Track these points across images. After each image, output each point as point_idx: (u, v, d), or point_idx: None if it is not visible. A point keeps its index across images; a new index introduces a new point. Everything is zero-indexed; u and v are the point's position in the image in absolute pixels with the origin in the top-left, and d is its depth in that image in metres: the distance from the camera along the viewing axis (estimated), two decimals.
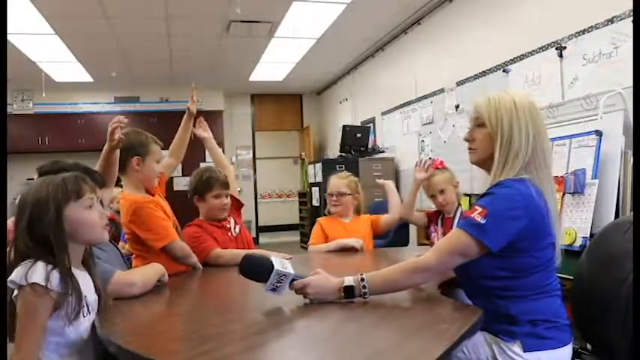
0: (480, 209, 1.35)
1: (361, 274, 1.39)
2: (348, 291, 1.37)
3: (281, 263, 1.40)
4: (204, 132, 2.65)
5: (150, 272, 1.73)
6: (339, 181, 2.73)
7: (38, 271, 1.23)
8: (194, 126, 2.60)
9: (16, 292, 1.24)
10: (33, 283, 1.22)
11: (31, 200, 1.30)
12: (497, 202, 1.35)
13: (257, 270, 1.40)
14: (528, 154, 1.40)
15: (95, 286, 1.39)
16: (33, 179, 1.42)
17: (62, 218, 1.29)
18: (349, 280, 1.38)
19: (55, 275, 1.25)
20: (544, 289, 1.39)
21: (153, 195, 2.15)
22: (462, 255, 1.37)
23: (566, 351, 1.38)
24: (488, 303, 1.38)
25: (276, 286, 1.38)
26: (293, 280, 1.39)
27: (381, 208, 5.06)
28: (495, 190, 1.38)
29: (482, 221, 1.32)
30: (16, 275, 1.23)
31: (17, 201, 1.34)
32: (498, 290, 1.37)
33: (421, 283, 1.44)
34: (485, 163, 1.49)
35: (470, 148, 1.53)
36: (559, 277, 1.47)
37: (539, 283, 1.39)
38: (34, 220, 1.28)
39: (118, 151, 1.91)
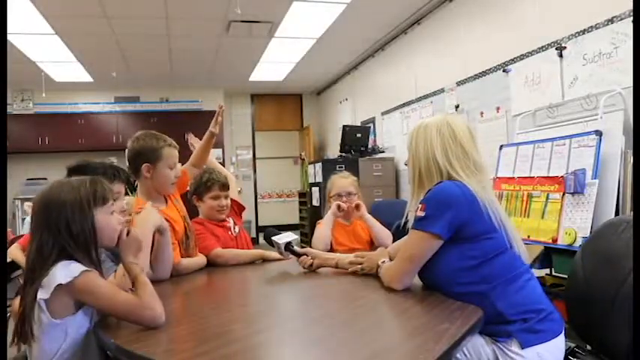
0: (419, 206, 1.48)
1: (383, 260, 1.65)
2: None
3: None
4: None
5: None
6: (345, 180, 2.64)
7: (79, 265, 1.25)
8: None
9: (44, 295, 1.22)
10: (83, 272, 1.24)
11: (67, 201, 1.30)
12: (433, 196, 1.47)
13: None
14: (445, 173, 1.49)
15: None
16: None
17: (95, 221, 1.33)
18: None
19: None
20: (517, 272, 1.44)
21: (166, 201, 2.07)
22: (423, 256, 1.46)
23: (560, 340, 1.41)
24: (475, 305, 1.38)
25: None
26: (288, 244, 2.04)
27: (381, 208, 5.10)
28: (429, 192, 1.50)
29: (423, 214, 1.44)
30: (59, 276, 1.22)
31: (44, 200, 1.32)
32: (480, 285, 1.39)
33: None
34: None
35: None
36: (558, 276, 1.47)
37: (512, 265, 1.44)
38: (73, 222, 1.29)
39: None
